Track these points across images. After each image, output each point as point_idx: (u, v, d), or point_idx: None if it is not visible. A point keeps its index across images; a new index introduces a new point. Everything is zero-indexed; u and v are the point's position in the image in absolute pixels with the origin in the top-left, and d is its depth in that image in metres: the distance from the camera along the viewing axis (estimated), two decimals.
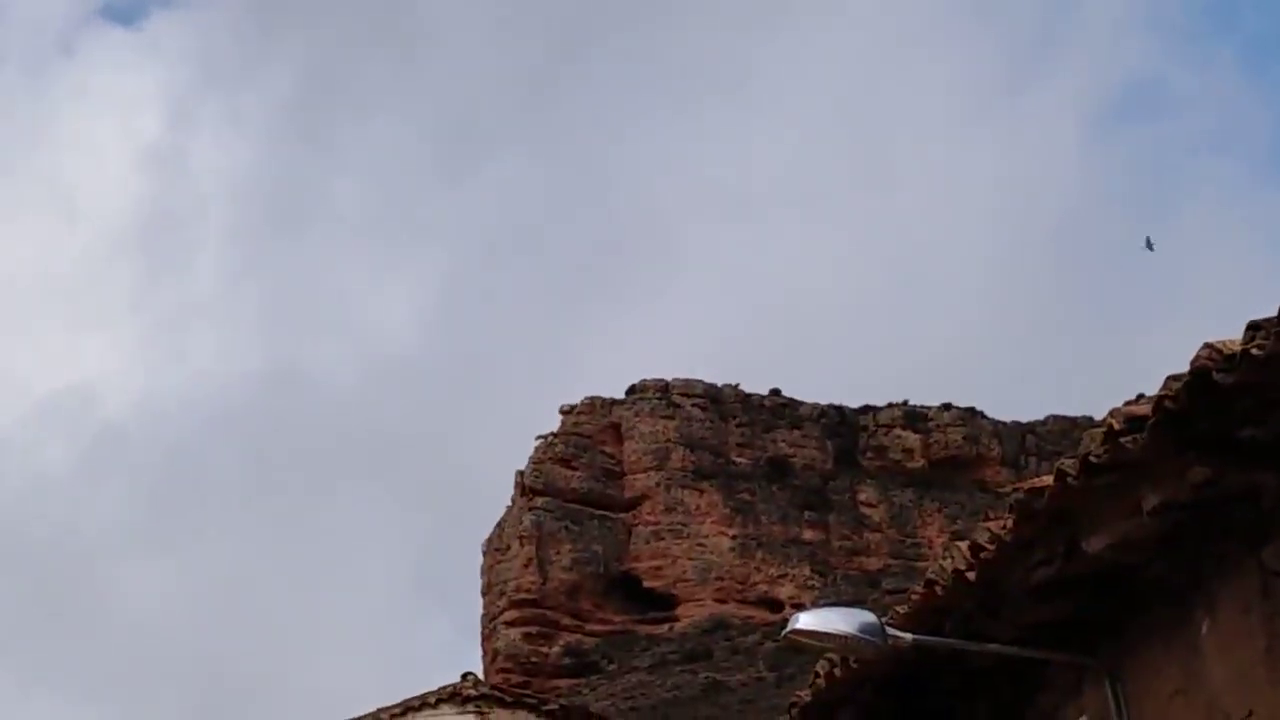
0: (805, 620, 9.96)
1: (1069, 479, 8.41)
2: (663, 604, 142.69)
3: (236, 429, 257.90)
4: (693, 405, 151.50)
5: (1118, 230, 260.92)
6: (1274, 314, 7.40)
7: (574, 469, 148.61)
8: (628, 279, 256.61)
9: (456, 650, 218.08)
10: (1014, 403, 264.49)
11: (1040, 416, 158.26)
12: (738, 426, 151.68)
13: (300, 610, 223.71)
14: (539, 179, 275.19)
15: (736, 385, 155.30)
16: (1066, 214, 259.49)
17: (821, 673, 11.72)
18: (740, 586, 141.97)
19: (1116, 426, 8.02)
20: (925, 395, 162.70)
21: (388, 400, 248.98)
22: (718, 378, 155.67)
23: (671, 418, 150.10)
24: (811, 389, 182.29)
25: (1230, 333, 7.74)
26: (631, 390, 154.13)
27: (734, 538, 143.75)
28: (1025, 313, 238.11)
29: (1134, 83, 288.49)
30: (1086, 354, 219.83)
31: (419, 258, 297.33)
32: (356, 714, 30.74)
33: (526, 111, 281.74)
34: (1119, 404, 8.43)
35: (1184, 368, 7.75)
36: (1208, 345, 7.59)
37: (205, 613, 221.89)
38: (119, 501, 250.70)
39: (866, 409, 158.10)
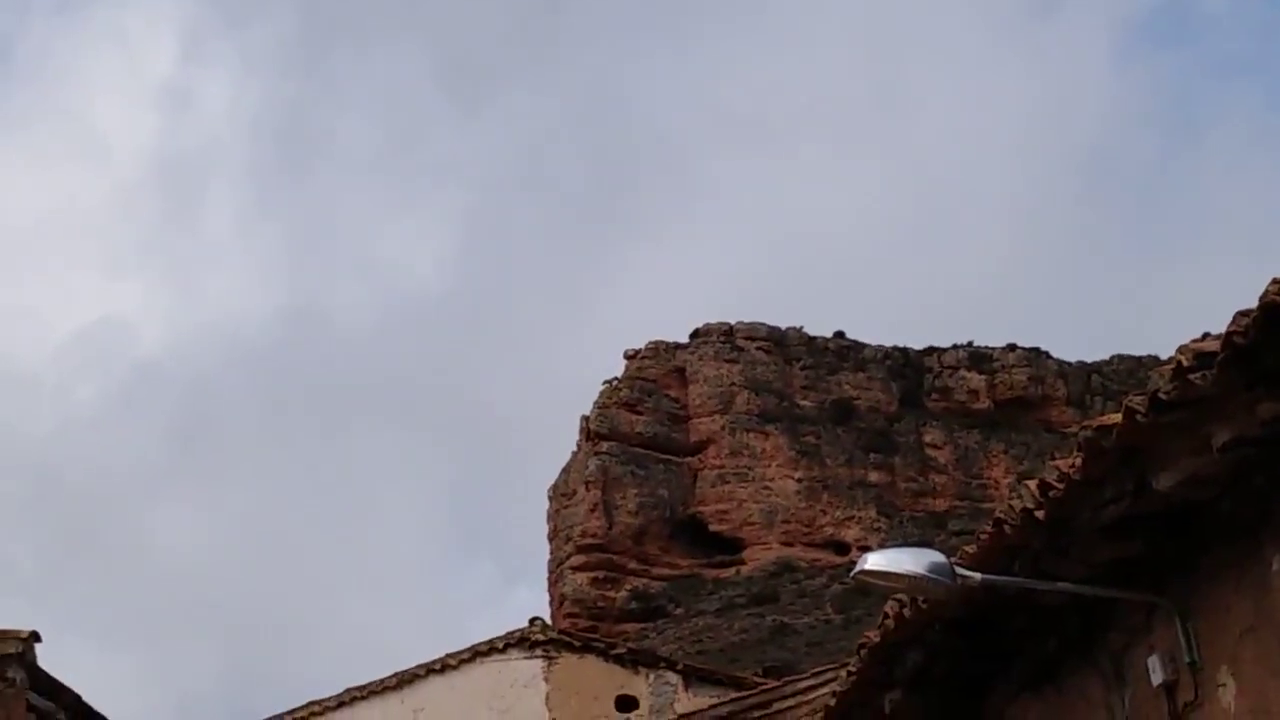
0: (874, 561, 9.95)
1: (1138, 416, 8.37)
2: (729, 547, 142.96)
3: (259, 367, 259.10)
4: (756, 348, 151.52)
5: (1147, 155, 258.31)
6: None
7: (639, 413, 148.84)
8: (650, 213, 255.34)
9: (498, 591, 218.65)
10: (1079, 342, 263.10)
11: (1105, 356, 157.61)
12: (802, 369, 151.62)
13: (332, 551, 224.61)
14: (551, 112, 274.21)
15: (800, 328, 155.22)
16: (1096, 140, 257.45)
17: (890, 613, 11.73)
18: (806, 529, 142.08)
19: (1185, 363, 7.97)
20: (990, 336, 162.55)
21: (411, 338, 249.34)
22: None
23: (735, 361, 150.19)
24: (875, 331, 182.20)
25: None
26: (695, 334, 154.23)
27: (799, 480, 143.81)
28: (1068, 245, 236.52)
29: (1162, 4, 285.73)
30: (1146, 291, 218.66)
31: (435, 194, 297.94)
32: (425, 659, 30.93)
33: (533, 42, 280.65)
34: (1185, 341, 8.36)
35: (1251, 302, 7.69)
36: (1276, 280, 7.53)
37: (237, 553, 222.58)
38: (146, 441, 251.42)
39: (931, 350, 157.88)
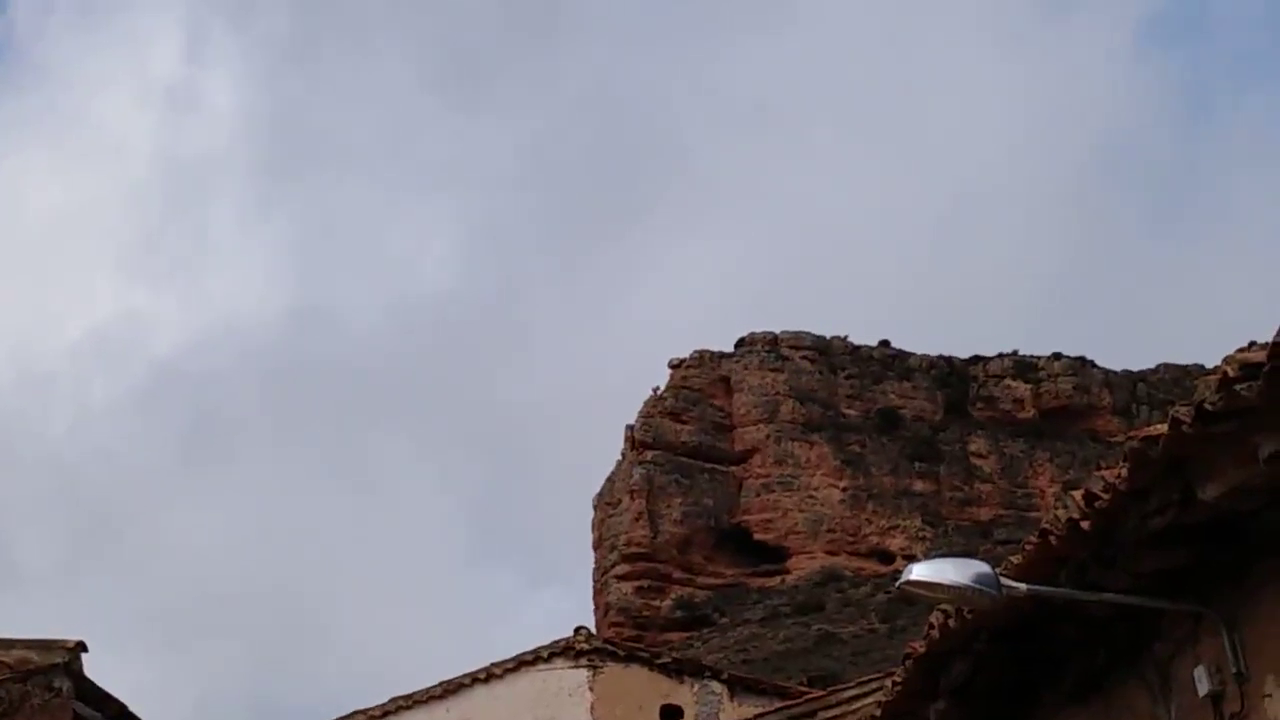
0: (919, 571, 9.94)
1: (1184, 426, 8.35)
2: (774, 556, 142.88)
3: (270, 366, 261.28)
4: (801, 357, 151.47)
5: (1166, 153, 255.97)
6: None
7: (683, 422, 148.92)
8: (663, 210, 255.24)
9: (522, 595, 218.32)
10: (1125, 351, 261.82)
11: (1151, 364, 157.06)
12: (847, 378, 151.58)
13: (350, 551, 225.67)
14: (553, 108, 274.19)
15: (845, 336, 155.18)
16: (1115, 139, 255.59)
17: (936, 623, 11.71)
18: (851, 538, 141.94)
19: (1231, 373, 7.95)
20: (1035, 345, 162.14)
21: (420, 337, 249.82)
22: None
23: (780, 370, 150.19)
24: (920, 340, 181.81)
25: None
26: (740, 343, 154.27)
27: (844, 490, 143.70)
28: (1108, 251, 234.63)
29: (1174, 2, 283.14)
30: (1189, 298, 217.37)
31: (438, 191, 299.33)
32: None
33: (530, 36, 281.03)
34: (1229, 349, 8.34)
35: None
36: None
37: (252, 553, 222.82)
38: (162, 439, 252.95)
39: (976, 359, 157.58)
